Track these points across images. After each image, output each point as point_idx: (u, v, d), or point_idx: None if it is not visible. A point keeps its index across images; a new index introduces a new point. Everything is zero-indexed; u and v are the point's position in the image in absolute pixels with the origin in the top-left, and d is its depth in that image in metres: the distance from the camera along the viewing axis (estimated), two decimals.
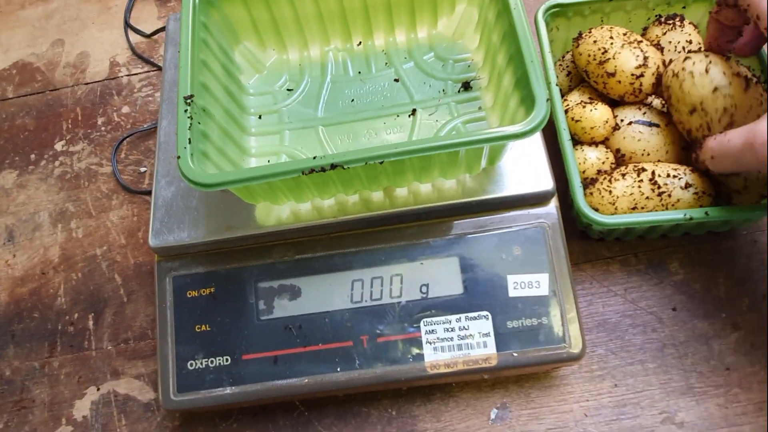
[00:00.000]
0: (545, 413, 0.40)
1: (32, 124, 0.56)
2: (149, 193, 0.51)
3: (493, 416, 0.40)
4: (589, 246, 0.45)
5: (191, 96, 0.32)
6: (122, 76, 0.58)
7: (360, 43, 0.43)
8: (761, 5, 0.33)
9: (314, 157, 0.30)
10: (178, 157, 0.31)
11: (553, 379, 0.41)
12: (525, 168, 0.38)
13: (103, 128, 0.55)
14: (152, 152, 0.53)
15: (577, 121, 0.43)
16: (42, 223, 0.51)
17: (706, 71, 0.37)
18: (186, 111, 0.32)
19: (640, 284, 0.44)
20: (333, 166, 0.30)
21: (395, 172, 0.34)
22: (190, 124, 0.32)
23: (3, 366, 0.46)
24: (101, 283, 0.48)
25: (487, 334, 0.37)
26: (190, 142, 0.31)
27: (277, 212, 0.38)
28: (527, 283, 0.37)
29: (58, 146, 0.55)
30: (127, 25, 0.61)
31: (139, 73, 0.58)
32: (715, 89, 0.37)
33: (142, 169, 0.53)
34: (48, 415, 0.44)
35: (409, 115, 0.40)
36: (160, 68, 0.58)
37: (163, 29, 0.60)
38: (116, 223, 0.50)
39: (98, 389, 0.44)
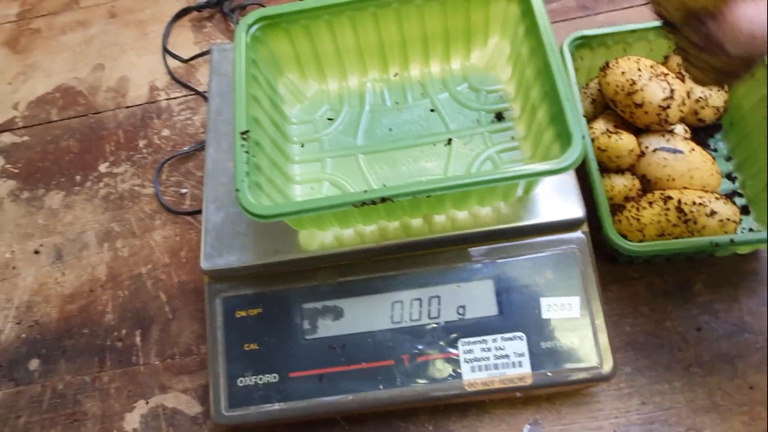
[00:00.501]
0: (576, 430, 0.42)
1: (76, 147, 0.59)
2: (191, 213, 0.54)
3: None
4: (616, 267, 0.47)
5: (247, 131, 0.35)
6: (161, 100, 0.60)
7: (396, 74, 0.45)
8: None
9: (365, 191, 0.32)
10: (237, 191, 0.33)
11: (583, 397, 0.43)
12: (557, 196, 0.40)
13: (144, 150, 0.58)
14: (192, 174, 0.56)
15: (603, 150, 0.45)
16: (89, 242, 0.54)
17: None
18: (243, 146, 0.34)
19: (666, 305, 0.45)
20: (383, 200, 0.32)
21: (436, 201, 0.36)
22: (247, 158, 0.34)
23: (55, 380, 0.48)
24: (147, 300, 0.50)
25: (522, 354, 0.39)
26: (248, 176, 0.33)
27: (321, 237, 0.40)
28: (560, 306, 0.39)
29: (102, 168, 0.57)
30: (165, 51, 0.63)
31: (178, 97, 0.60)
32: None
33: (183, 191, 0.55)
34: (100, 427, 0.46)
35: (445, 144, 0.42)
36: (198, 92, 0.60)
37: (200, 55, 0.62)
38: (160, 243, 0.53)
39: (147, 403, 0.46)
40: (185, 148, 0.57)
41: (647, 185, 0.45)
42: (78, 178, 0.57)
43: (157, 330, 0.49)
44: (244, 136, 0.35)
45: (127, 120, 0.60)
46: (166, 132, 0.58)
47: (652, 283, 0.46)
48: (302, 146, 0.43)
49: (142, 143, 0.58)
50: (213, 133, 0.45)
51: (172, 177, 0.56)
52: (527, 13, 0.38)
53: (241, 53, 0.37)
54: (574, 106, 0.33)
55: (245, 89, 0.36)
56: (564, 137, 0.33)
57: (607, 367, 0.38)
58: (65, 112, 0.61)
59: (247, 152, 0.34)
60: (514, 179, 0.32)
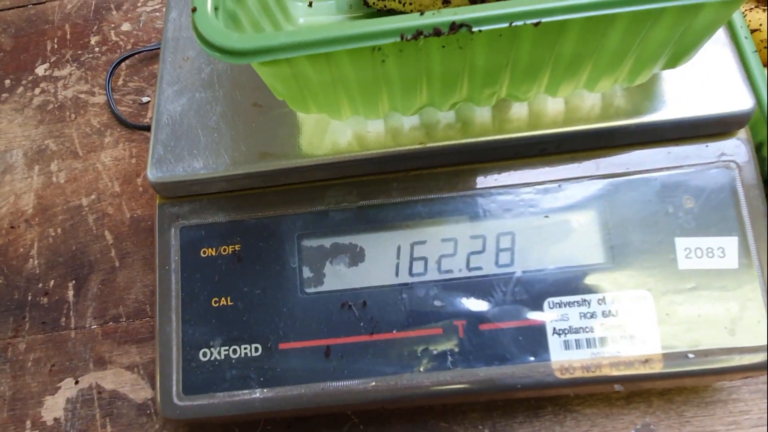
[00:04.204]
0: None
1: (9, 44, 0.44)
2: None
3: None
4: None
5: None
6: None
7: None
8: None
9: (421, 13, 0.18)
10: (194, 9, 0.19)
11: (716, 393, 0.29)
12: (702, 79, 0.25)
13: (96, 49, 0.43)
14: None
15: (754, 30, 0.30)
16: (14, 164, 0.39)
17: None
18: None
19: None
20: (453, 28, 0.18)
21: (527, 70, 0.22)
22: None
23: None
24: (86, 241, 0.36)
25: (646, 324, 0.25)
26: None
27: (334, 136, 0.26)
28: (706, 251, 0.25)
29: (40, 70, 0.43)
30: None
31: None
32: None
33: (144, 100, 0.41)
34: (8, 415, 0.32)
35: None
36: None
37: None
38: (109, 166, 0.39)
39: (77, 382, 0.32)
40: (150, 45, 0.42)
41: None
42: (8, 82, 0.43)
43: (98, 282, 0.35)
44: None
45: (76, 12, 0.45)
46: (126, 26, 0.44)
47: None
48: (310, 5, 0.28)
49: (93, 40, 0.44)
50: None
51: (130, 82, 0.42)
52: None
53: None
54: None
55: None
56: None
57: None
58: None
59: None
60: None
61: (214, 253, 0.27)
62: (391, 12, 0.26)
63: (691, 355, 0.24)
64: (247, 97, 0.27)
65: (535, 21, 0.18)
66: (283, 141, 0.26)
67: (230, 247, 0.27)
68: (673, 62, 0.23)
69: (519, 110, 0.26)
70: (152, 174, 0.26)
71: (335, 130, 0.26)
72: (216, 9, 0.19)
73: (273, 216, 0.27)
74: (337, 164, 0.26)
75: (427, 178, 0.27)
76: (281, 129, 0.26)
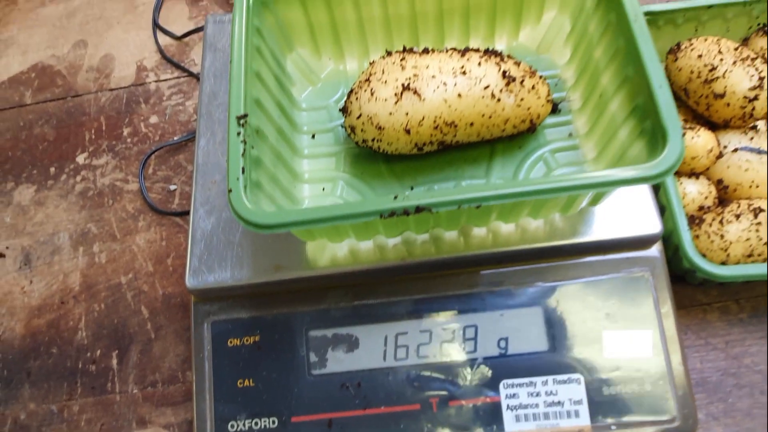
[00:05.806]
0: None
1: (52, 134, 0.51)
2: (180, 214, 0.46)
3: None
4: (681, 289, 0.39)
5: (245, 116, 0.27)
6: (150, 82, 0.53)
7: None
8: None
9: (395, 197, 0.25)
10: (230, 191, 0.25)
11: None
12: (625, 206, 0.32)
13: (129, 140, 0.50)
14: (183, 168, 0.48)
15: None
16: (62, 245, 0.46)
17: None
18: (239, 134, 0.27)
19: (744, 337, 0.38)
20: (418, 210, 0.25)
21: (481, 212, 0.29)
22: (244, 149, 0.27)
23: (17, 409, 0.41)
24: (126, 316, 0.43)
25: (579, 402, 0.31)
26: (243, 172, 0.26)
27: (333, 251, 0.33)
28: (627, 341, 0.32)
29: (80, 159, 0.50)
30: (156, 26, 0.56)
31: (169, 78, 0.53)
32: None
33: (172, 187, 0.48)
34: None
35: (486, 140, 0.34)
36: (191, 74, 0.53)
37: (195, 31, 0.55)
38: (143, 248, 0.45)
39: None
40: (175, 138, 0.49)
41: (724, 192, 0.38)
42: (53, 170, 0.50)
43: (137, 351, 0.42)
44: (242, 121, 0.27)
45: (110, 104, 0.52)
46: (154, 119, 0.51)
47: (727, 310, 0.39)
48: (313, 137, 0.35)
49: (126, 131, 0.51)
50: (205, 120, 0.38)
51: (159, 171, 0.49)
52: None
53: (241, 18, 0.30)
54: (669, 96, 0.26)
55: (245, 63, 0.29)
56: (653, 135, 0.26)
57: (687, 420, 0.31)
58: (41, 94, 0.54)
59: (244, 142, 0.27)
60: (590, 187, 0.24)
61: (238, 343, 0.34)
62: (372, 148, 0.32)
63: (613, 427, 0.31)
64: None
65: (476, 205, 0.24)
66: (293, 255, 0.33)
67: (252, 338, 0.34)
68: (594, 203, 0.30)
69: (479, 232, 0.32)
70: (190, 283, 0.33)
71: (334, 248, 0.33)
72: (245, 187, 0.26)
73: (286, 313, 0.34)
74: (336, 275, 0.33)
75: (408, 282, 0.33)
76: (291, 246, 0.33)
